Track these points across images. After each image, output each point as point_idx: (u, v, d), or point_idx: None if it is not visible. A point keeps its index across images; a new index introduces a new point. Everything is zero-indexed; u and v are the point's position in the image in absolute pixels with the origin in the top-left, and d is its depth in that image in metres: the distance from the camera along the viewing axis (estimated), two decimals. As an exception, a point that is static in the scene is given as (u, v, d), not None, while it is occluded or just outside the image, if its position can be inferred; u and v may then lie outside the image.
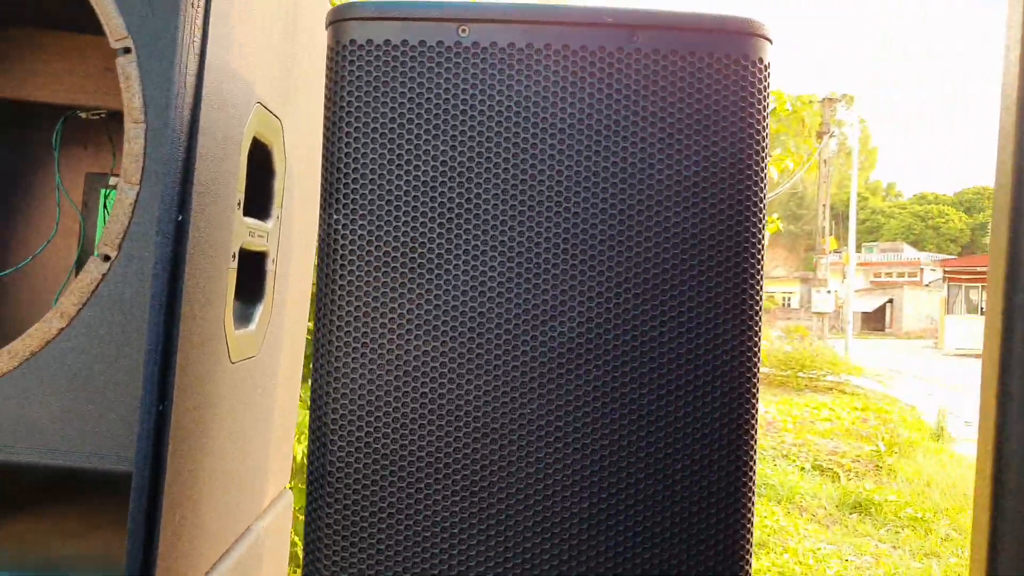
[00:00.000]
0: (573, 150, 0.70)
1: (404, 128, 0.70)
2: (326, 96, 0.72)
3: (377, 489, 0.69)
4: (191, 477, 0.79)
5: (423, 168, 0.70)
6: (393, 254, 0.70)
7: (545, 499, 0.69)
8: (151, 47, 0.73)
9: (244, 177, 0.88)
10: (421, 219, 0.70)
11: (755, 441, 0.72)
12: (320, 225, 0.72)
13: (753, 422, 0.71)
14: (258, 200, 1.00)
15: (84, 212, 1.08)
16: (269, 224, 1.01)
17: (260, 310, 1.00)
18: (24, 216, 1.12)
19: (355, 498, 0.69)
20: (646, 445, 0.69)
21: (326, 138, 0.71)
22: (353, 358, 0.70)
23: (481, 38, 0.70)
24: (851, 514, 4.66)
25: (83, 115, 1.04)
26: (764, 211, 0.72)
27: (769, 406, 8.15)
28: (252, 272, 0.99)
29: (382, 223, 0.70)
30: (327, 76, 0.72)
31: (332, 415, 0.70)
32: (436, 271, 0.70)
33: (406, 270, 0.70)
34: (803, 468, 5.57)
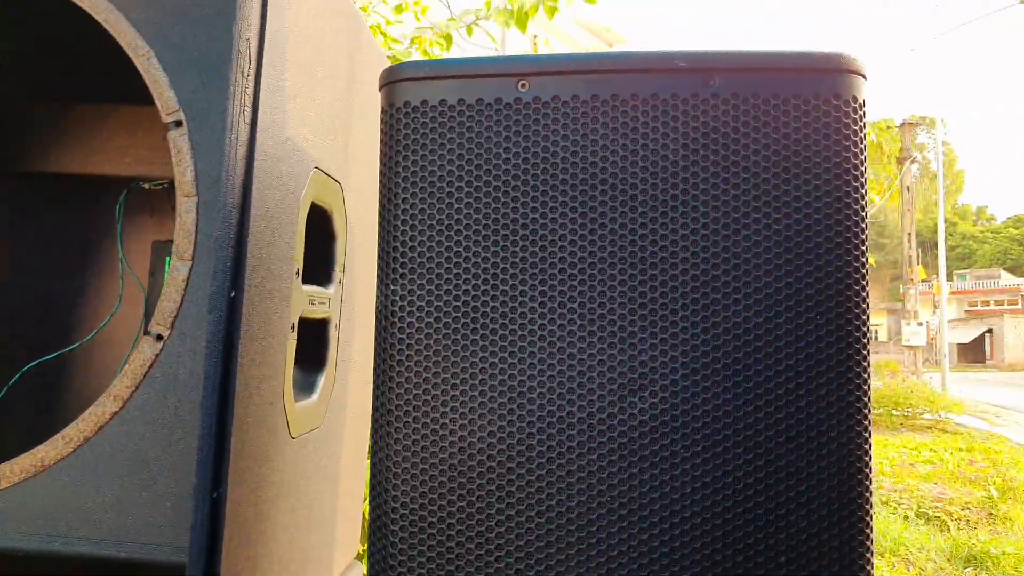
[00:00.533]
0: (647, 206, 0.63)
1: (463, 191, 0.65)
2: (381, 160, 0.68)
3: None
4: (249, 563, 0.75)
5: (484, 233, 0.65)
6: (454, 325, 0.64)
7: (630, 597, 0.62)
8: (202, 120, 0.70)
9: (302, 244, 0.85)
10: (483, 287, 0.64)
11: (871, 523, 0.63)
12: (377, 295, 0.67)
13: (868, 507, 0.63)
14: (319, 265, 0.97)
15: (151, 280, 1.07)
16: (331, 290, 0.97)
17: (323, 379, 0.97)
18: (95, 288, 1.11)
19: (420, 595, 0.63)
20: (744, 536, 0.61)
21: (382, 204, 0.67)
22: (413, 440, 0.64)
23: (542, 92, 0.65)
24: (965, 568, 4.35)
25: (146, 186, 1.03)
26: (867, 263, 0.64)
27: (863, 447, 7.76)
28: (314, 340, 0.95)
29: (442, 292, 0.65)
30: (381, 139, 0.68)
31: (392, 503, 0.64)
32: (501, 343, 0.64)
33: (468, 342, 0.64)
34: (906, 516, 5.24)
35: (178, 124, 0.70)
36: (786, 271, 0.62)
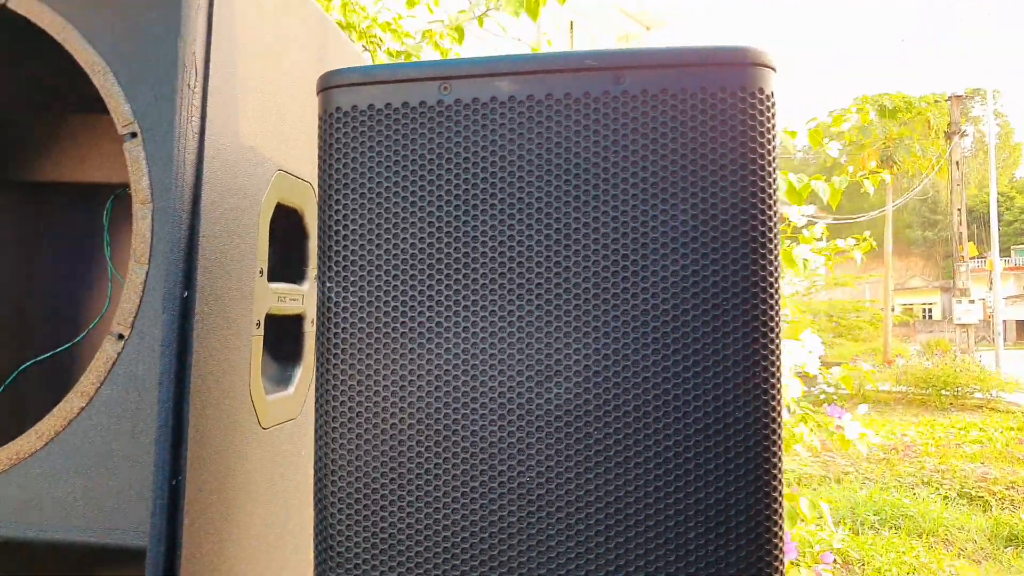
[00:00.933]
0: (561, 202, 0.66)
1: (392, 192, 0.69)
2: (318, 164, 0.72)
3: (378, 563, 0.67)
4: (217, 547, 0.80)
5: (411, 231, 0.68)
6: (385, 319, 0.68)
7: (549, 573, 0.65)
8: (155, 131, 0.75)
9: (266, 244, 0.89)
10: (411, 282, 0.68)
11: (781, 501, 0.66)
12: (317, 293, 0.71)
13: (777, 484, 0.65)
14: (293, 263, 1.02)
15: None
16: (304, 286, 1.02)
17: (299, 372, 1.01)
18: (91, 291, 1.18)
19: (358, 572, 0.68)
20: (655, 513, 0.64)
21: (319, 207, 0.71)
22: (350, 428, 0.68)
23: (463, 95, 0.68)
24: (1006, 547, 4.27)
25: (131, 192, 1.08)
26: (777, 250, 0.66)
27: (908, 428, 7.63)
28: (289, 335, 1.00)
29: (374, 289, 0.69)
30: (318, 144, 0.72)
31: (331, 487, 0.69)
32: (428, 335, 0.68)
33: (398, 335, 0.68)
34: (947, 496, 5.16)
35: (133, 135, 0.75)
36: (692, 260, 0.65)
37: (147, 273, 0.75)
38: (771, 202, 0.66)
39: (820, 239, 1.88)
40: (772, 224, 0.66)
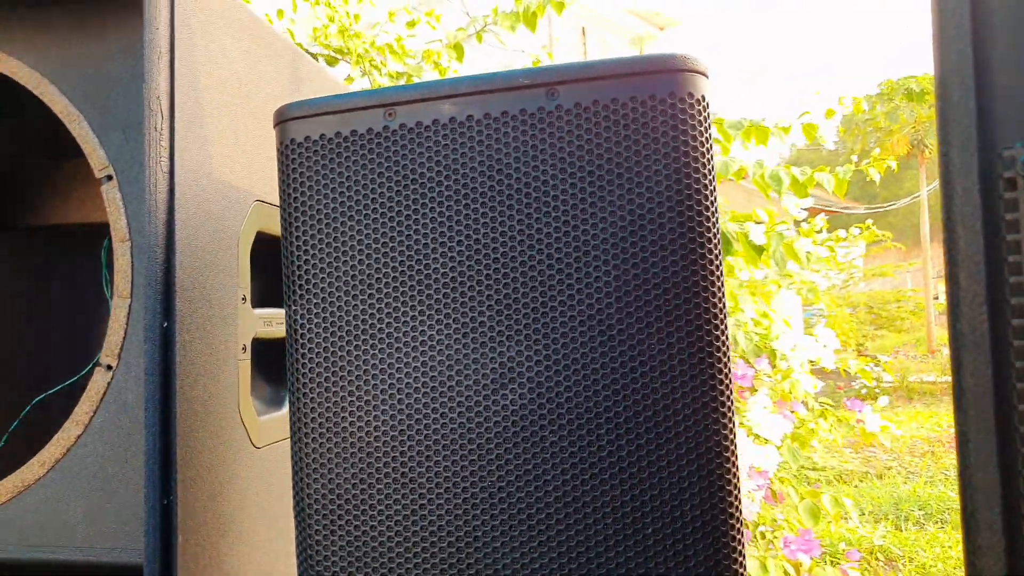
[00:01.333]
0: (505, 216, 0.69)
1: (347, 216, 0.73)
2: (279, 194, 0.76)
3: (355, 570, 0.71)
4: (214, 561, 0.84)
5: (367, 252, 0.72)
6: (347, 338, 0.72)
7: (515, 572, 0.68)
8: (128, 173, 0.80)
9: (247, 271, 0.94)
10: (371, 302, 0.72)
11: (737, 495, 0.68)
12: (286, 321, 0.75)
13: (732, 478, 0.67)
14: (279, 288, 1.06)
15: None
16: (293, 310, 1.06)
17: (292, 393, 1.05)
18: (103, 326, 1.23)
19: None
20: (612, 511, 0.67)
21: (281, 235, 0.75)
22: (320, 443, 0.72)
23: (407, 119, 0.72)
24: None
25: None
26: (717, 247, 0.69)
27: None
28: (280, 357, 1.04)
29: (335, 309, 0.72)
30: (278, 175, 0.76)
31: (307, 499, 0.72)
32: (389, 350, 0.71)
33: (360, 352, 0.71)
34: None
35: (109, 178, 0.80)
36: (633, 263, 0.67)
37: (130, 307, 0.79)
38: (707, 202, 0.68)
39: (820, 231, 1.88)
40: (711, 223, 0.68)
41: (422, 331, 0.70)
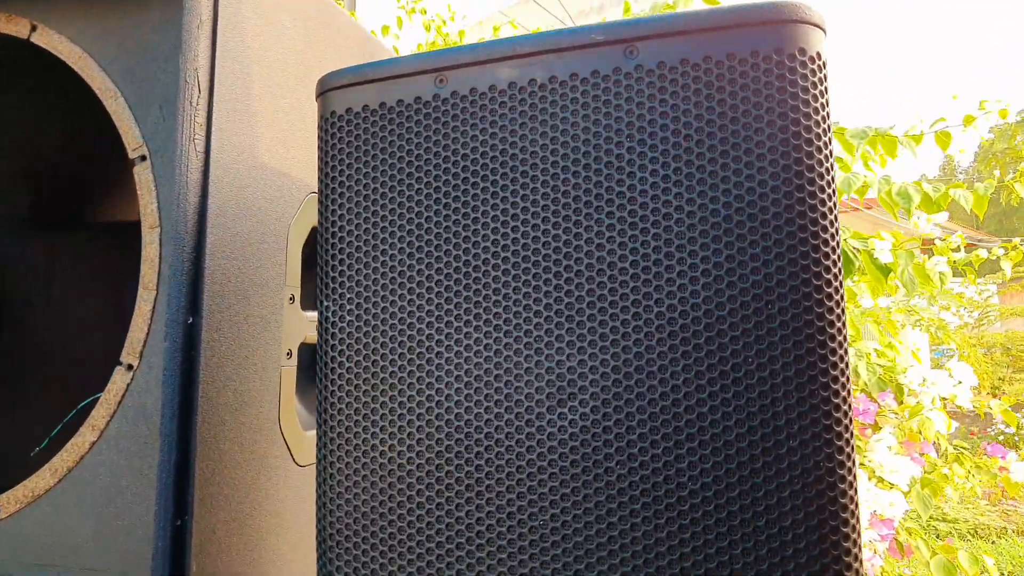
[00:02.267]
0: (571, 197, 0.57)
1: (389, 198, 0.62)
2: (318, 174, 0.66)
3: (378, 617, 0.59)
4: (239, 594, 0.74)
5: (410, 239, 0.61)
6: (382, 339, 0.61)
7: (566, 634, 0.55)
8: (163, 152, 0.72)
9: (298, 269, 0.85)
10: (409, 296, 0.61)
11: (858, 544, 0.53)
12: (318, 319, 0.65)
13: (851, 527, 0.52)
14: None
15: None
16: (351, 316, 0.96)
17: (347, 406, 0.96)
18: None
19: (359, 627, 0.60)
20: (692, 553, 0.53)
21: (319, 219, 0.66)
22: (347, 452, 0.61)
23: (460, 86, 0.61)
24: None
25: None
26: (837, 245, 0.54)
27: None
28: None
29: (370, 306, 0.62)
30: (318, 153, 0.67)
31: (330, 517, 0.61)
32: (430, 357, 0.60)
33: (396, 356, 0.61)
34: None
35: (143, 159, 0.73)
36: (727, 256, 0.54)
37: (155, 300, 0.71)
38: (824, 183, 0.54)
39: (958, 249, 1.66)
40: (829, 208, 0.54)
41: (469, 332, 0.59)
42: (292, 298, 0.84)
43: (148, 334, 0.71)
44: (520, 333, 0.58)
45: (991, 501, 5.93)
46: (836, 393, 0.53)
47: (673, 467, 0.53)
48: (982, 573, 1.87)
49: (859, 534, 0.53)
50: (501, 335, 0.58)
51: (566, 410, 0.56)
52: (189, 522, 0.68)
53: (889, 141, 1.66)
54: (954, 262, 1.66)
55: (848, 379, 0.53)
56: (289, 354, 0.83)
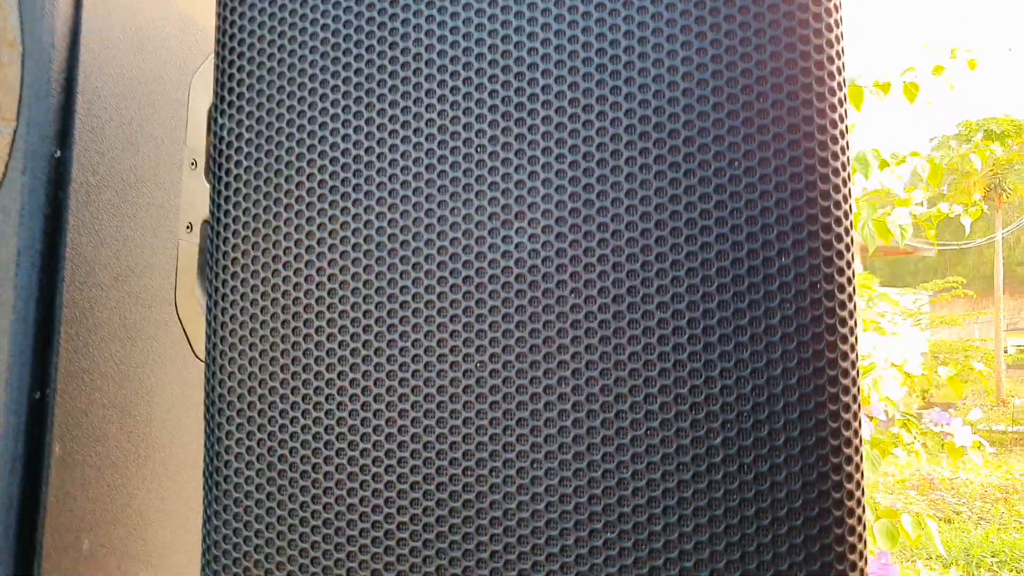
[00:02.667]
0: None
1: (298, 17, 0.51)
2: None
3: (275, 491, 0.48)
4: (118, 497, 0.62)
5: (313, 43, 0.50)
6: (287, 158, 0.50)
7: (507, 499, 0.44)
8: (30, -42, 0.59)
9: (202, 134, 0.73)
10: (314, 113, 0.50)
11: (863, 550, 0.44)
12: (210, 132, 0.54)
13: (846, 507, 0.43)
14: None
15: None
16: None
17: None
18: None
19: (256, 498, 0.48)
20: (693, 549, 0.43)
21: (216, 24, 0.54)
22: (243, 294, 0.50)
23: None
24: None
25: None
26: (850, 210, 0.45)
27: (1028, 467, 6.96)
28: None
29: (277, 122, 0.50)
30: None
31: (223, 391, 0.50)
32: (335, 183, 0.49)
33: (300, 180, 0.49)
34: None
35: (5, -33, 0.60)
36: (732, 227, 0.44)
37: (14, 132, 0.58)
38: (838, 139, 0.45)
39: (921, 203, 1.59)
40: (840, 165, 0.45)
41: (393, 146, 0.48)
42: (194, 163, 0.72)
43: (6, 172, 0.58)
44: (457, 144, 0.47)
45: (919, 492, 6.04)
46: (846, 375, 0.44)
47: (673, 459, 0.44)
48: (925, 537, 1.83)
49: (864, 533, 0.44)
50: (434, 147, 0.47)
51: (515, 230, 0.46)
52: (52, 396, 0.56)
53: (855, 91, 1.59)
54: (916, 216, 1.61)
55: (856, 364, 0.45)
56: (189, 227, 0.71)
